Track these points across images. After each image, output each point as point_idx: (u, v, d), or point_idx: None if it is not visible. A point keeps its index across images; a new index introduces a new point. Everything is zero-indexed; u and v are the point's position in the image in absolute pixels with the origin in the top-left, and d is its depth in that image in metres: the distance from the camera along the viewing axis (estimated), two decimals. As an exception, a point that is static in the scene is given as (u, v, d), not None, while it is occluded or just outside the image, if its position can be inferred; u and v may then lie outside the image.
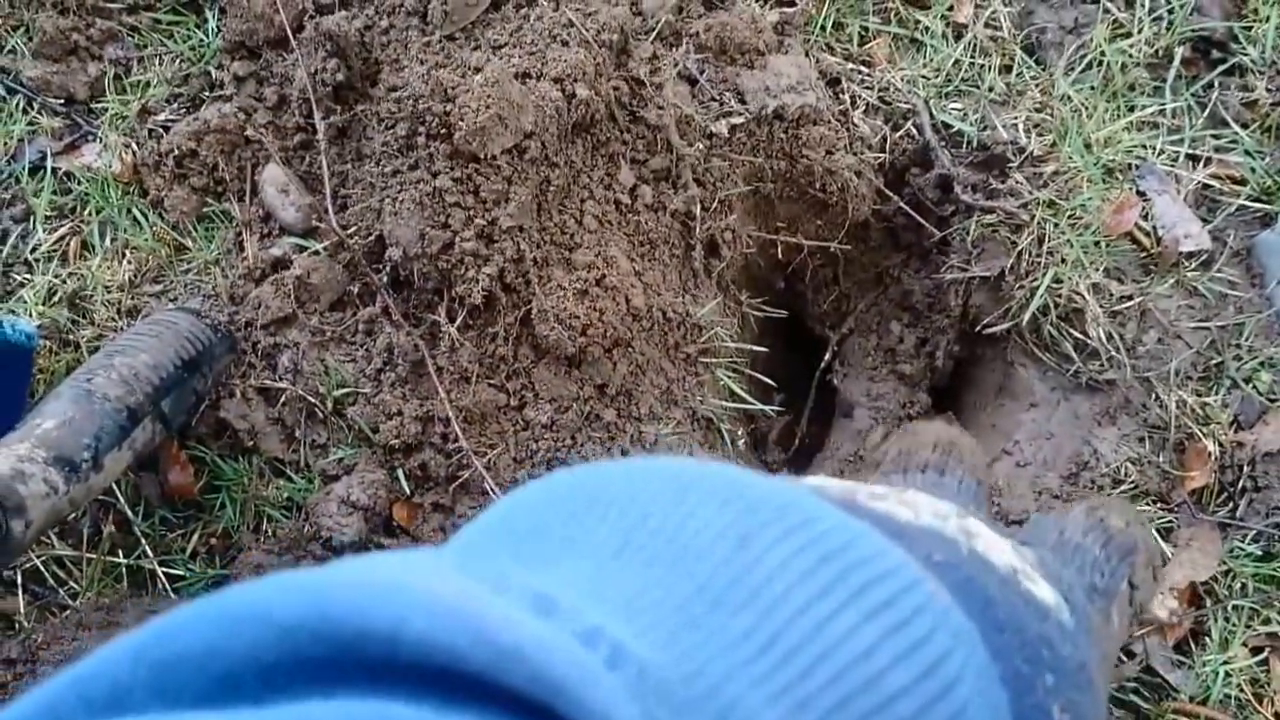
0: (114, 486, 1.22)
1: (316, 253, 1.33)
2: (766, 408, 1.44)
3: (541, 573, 0.29)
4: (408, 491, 1.28)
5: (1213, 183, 1.46)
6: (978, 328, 1.46)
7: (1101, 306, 1.39)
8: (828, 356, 1.57)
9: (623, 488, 0.32)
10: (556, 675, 0.24)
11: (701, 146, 1.39)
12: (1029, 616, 0.37)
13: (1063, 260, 1.39)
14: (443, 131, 1.27)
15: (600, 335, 1.31)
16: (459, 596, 0.25)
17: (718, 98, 1.42)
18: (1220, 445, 1.35)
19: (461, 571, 0.27)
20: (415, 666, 0.24)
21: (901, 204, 1.47)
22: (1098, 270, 1.39)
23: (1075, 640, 0.38)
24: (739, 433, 1.42)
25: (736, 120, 1.40)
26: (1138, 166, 1.45)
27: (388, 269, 1.31)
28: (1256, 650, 1.28)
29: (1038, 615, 0.37)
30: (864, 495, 0.39)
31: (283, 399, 1.28)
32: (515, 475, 1.29)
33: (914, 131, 1.47)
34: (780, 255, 1.52)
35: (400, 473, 1.28)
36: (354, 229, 1.34)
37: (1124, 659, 1.28)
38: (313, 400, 1.28)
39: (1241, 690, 1.26)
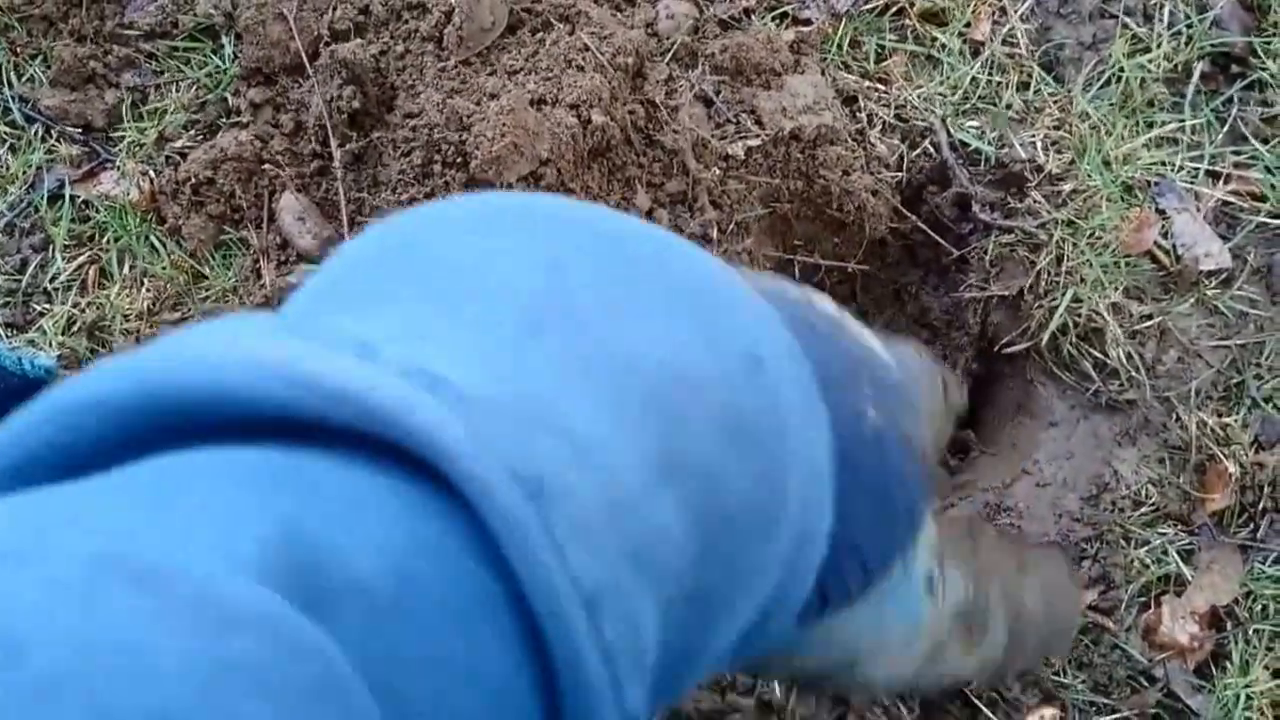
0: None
1: (334, 280, 1.33)
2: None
3: (363, 323, 0.30)
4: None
5: (1232, 199, 1.45)
6: (997, 346, 1.45)
7: (1121, 326, 1.38)
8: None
9: (432, 235, 0.33)
10: (381, 408, 0.25)
11: (718, 169, 1.38)
12: (848, 342, 0.40)
13: (1082, 280, 1.38)
14: (459, 160, 1.27)
15: (618, 361, 1.31)
16: (277, 350, 0.26)
17: (734, 119, 1.41)
18: (1241, 466, 1.34)
19: (287, 331, 0.28)
20: (249, 422, 0.26)
21: (919, 223, 1.46)
22: (1117, 290, 1.39)
23: (903, 383, 0.41)
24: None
25: (753, 142, 1.40)
26: (1157, 184, 1.44)
27: (406, 297, 1.31)
28: (1277, 674, 1.28)
29: (860, 348, 0.40)
30: None
31: (303, 428, 1.28)
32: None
33: (931, 150, 1.46)
34: (797, 274, 1.51)
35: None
36: (371, 256, 1.34)
37: (1145, 684, 1.28)
38: (332, 429, 1.28)
39: (1263, 714, 1.26)
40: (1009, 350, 1.43)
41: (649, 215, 1.37)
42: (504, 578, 0.26)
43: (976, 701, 1.26)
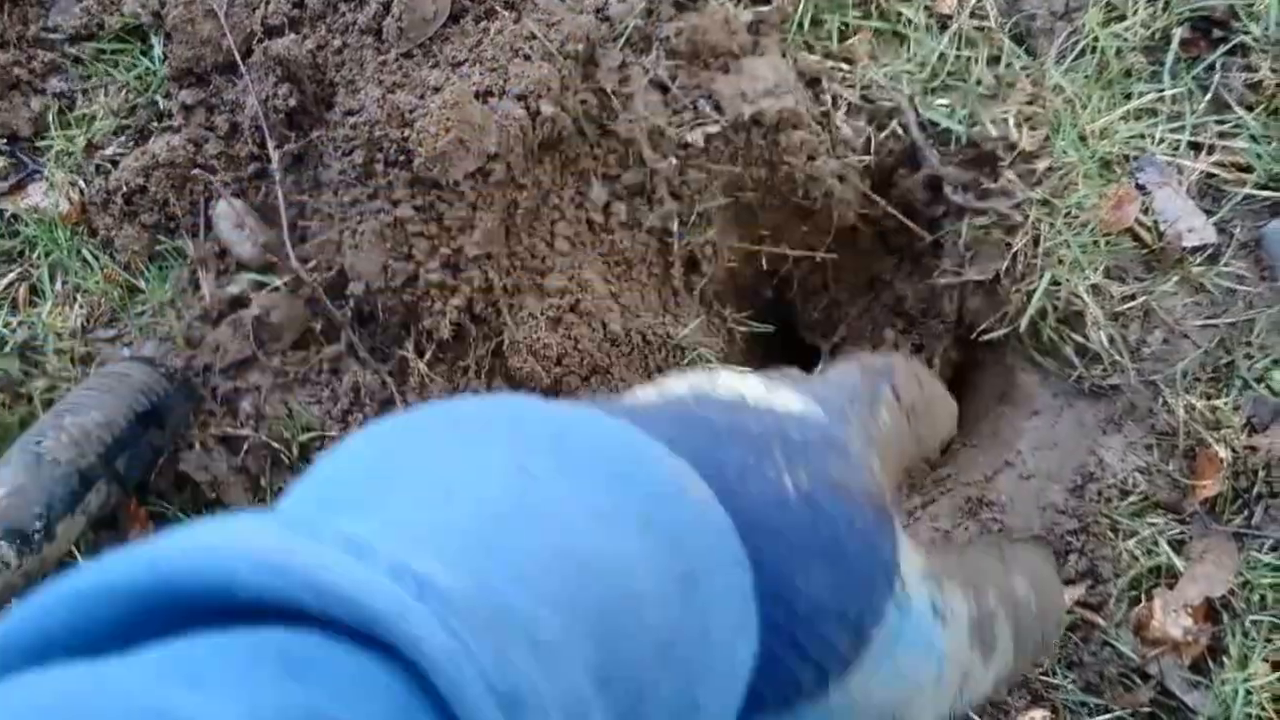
0: (74, 549, 1.17)
1: (276, 289, 1.27)
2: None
3: (356, 523, 0.33)
4: (382, 537, 1.22)
5: (1217, 171, 1.39)
6: (975, 334, 1.39)
7: (1102, 308, 1.32)
8: (820, 368, 1.51)
9: (408, 444, 0.36)
10: (374, 610, 0.27)
11: (676, 158, 1.32)
12: (750, 418, 0.41)
13: (1060, 261, 1.32)
14: (401, 158, 1.21)
15: (576, 364, 1.25)
16: (279, 546, 0.28)
17: (692, 105, 1.35)
18: (1233, 450, 1.28)
19: (282, 527, 0.30)
20: (253, 611, 0.28)
21: (889, 208, 1.40)
22: (1097, 270, 1.32)
23: (823, 431, 0.42)
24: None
25: (712, 129, 1.33)
26: (1136, 158, 1.38)
27: (351, 304, 1.25)
28: (1277, 666, 1.22)
29: (764, 417, 0.41)
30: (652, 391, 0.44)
31: (245, 447, 1.22)
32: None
33: (899, 131, 1.39)
34: (766, 264, 1.45)
35: (373, 517, 1.22)
36: (314, 262, 1.28)
37: (1138, 682, 1.22)
38: (277, 446, 1.22)
39: (1263, 709, 1.20)
40: (987, 337, 1.37)
41: (605, 209, 1.30)
42: None
43: (964, 706, 1.20)
